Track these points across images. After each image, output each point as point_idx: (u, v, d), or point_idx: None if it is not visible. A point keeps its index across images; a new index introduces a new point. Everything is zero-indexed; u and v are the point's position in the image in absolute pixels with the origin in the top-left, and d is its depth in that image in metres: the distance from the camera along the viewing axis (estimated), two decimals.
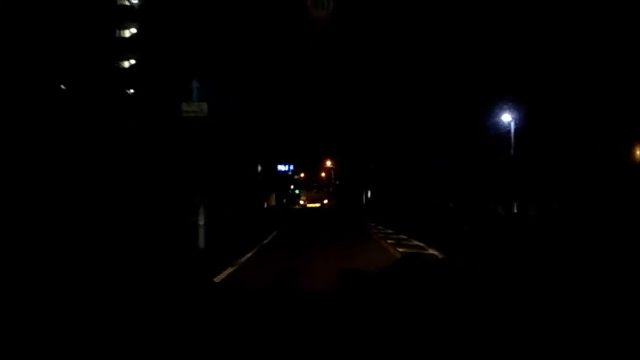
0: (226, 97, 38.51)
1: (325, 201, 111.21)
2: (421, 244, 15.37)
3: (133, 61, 41.32)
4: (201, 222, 13.79)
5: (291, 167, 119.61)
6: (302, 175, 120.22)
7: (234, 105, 39.73)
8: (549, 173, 27.67)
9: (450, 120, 39.11)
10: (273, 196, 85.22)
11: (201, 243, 13.73)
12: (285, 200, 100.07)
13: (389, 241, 16.46)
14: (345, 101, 68.93)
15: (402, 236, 18.25)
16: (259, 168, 54.26)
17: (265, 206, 48.79)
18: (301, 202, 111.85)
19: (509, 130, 29.80)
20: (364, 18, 43.15)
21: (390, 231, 20.86)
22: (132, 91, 38.49)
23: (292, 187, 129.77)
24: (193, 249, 13.33)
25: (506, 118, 30.42)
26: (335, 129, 79.84)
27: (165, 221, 19.95)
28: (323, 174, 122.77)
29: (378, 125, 58.03)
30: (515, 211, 29.76)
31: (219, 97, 38.66)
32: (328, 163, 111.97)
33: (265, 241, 17.04)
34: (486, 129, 32.39)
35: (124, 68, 41.53)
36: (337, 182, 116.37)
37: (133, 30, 41.84)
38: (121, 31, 41.53)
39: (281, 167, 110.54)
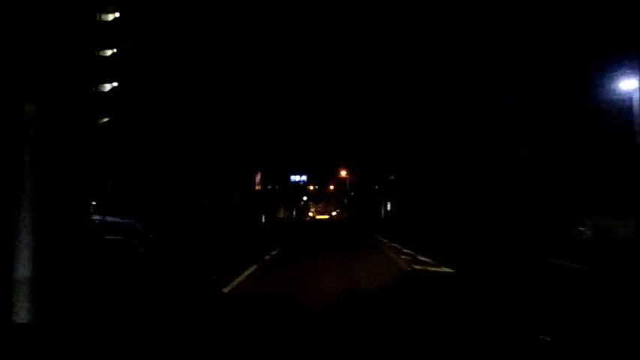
0: (226, 97, 34.84)
1: (333, 213, 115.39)
2: None
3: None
4: (22, 271, 5.45)
5: (304, 178, 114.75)
6: (310, 187, 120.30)
7: (234, 105, 35.92)
8: None
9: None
10: (282, 208, 79.09)
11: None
12: (295, 212, 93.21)
13: None
14: (356, 108, 63.28)
15: None
16: (258, 178, 46.36)
17: (264, 220, 40.33)
18: (310, 214, 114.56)
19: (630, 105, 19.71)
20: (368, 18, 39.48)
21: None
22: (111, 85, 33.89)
23: (305, 198, 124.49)
24: None
25: (628, 85, 19.53)
26: (349, 138, 73.62)
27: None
28: (332, 187, 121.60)
29: (397, 129, 52.18)
30: None
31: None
32: (343, 173, 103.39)
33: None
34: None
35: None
36: (352, 194, 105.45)
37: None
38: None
39: (294, 178, 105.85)
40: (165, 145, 30.23)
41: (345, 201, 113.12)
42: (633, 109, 18.98)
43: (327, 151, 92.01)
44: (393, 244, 21.07)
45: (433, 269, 12.68)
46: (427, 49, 38.11)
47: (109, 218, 17.77)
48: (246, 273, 11.73)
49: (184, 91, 31.28)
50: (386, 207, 71.14)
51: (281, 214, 78.46)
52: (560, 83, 29.84)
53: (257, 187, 45.68)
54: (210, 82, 32.77)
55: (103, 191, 27.04)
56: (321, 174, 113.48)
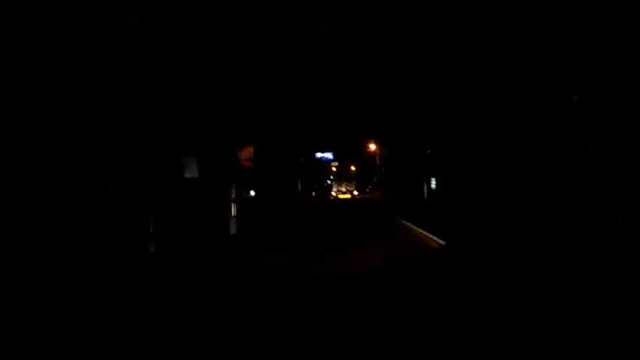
0: (226, 97, 34.39)
1: (355, 192, 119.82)
2: None
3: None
4: None
5: (329, 156, 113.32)
6: (334, 168, 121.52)
7: (234, 105, 35.43)
8: None
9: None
10: (299, 189, 76.80)
11: None
12: (314, 193, 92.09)
13: None
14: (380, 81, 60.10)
15: None
16: (247, 154, 39.42)
17: (234, 214, 35.38)
18: (333, 194, 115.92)
19: None
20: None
21: None
22: None
23: (332, 177, 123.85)
24: None
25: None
26: (375, 107, 68.07)
27: None
28: (353, 167, 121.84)
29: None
30: None
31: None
32: (372, 147, 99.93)
33: None
34: None
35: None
36: (383, 170, 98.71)
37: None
38: None
39: (318, 155, 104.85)
40: (165, 145, 30.54)
41: (375, 179, 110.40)
42: None
43: (351, 128, 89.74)
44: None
45: None
46: (427, 48, 37.64)
47: None
48: None
49: (184, 91, 31.45)
50: (429, 185, 56.23)
51: (301, 195, 77.29)
52: (560, 83, 29.48)
53: (247, 165, 39.47)
54: (210, 82, 32.91)
55: (103, 191, 27.62)
56: (344, 152, 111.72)
